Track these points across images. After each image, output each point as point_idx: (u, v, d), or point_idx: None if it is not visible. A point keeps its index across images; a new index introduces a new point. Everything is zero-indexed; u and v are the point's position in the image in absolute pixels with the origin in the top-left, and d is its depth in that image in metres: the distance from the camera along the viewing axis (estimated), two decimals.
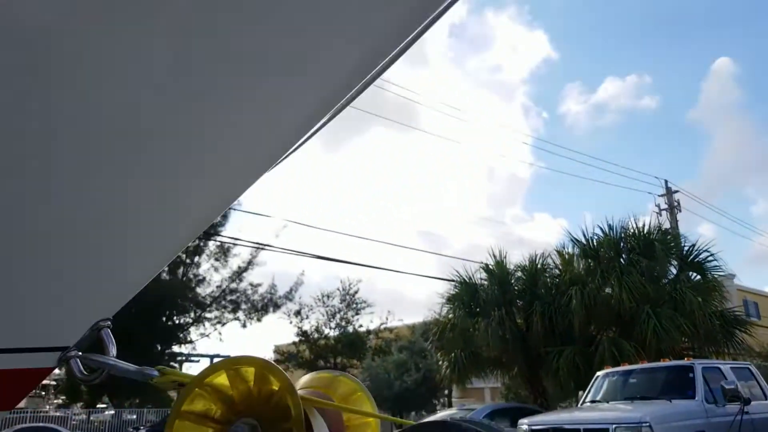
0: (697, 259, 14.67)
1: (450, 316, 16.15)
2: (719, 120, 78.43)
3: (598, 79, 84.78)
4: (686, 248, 15.12)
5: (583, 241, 15.51)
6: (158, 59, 0.96)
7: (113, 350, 1.30)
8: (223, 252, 23.92)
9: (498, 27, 79.12)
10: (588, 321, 13.96)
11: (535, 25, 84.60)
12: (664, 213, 24.07)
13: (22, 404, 21.99)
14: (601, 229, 15.40)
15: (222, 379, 1.23)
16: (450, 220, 67.59)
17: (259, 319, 24.30)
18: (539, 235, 71.73)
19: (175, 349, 24.62)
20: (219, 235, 23.93)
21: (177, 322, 24.09)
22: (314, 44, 1.06)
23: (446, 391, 27.52)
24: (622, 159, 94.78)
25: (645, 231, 15.18)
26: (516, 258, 16.92)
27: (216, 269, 23.91)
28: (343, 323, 26.26)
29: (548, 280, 15.88)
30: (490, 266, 16.27)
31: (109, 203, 1.15)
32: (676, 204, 24.48)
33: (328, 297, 26.37)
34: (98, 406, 24.35)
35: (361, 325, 26.48)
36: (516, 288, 16.10)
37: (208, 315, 24.10)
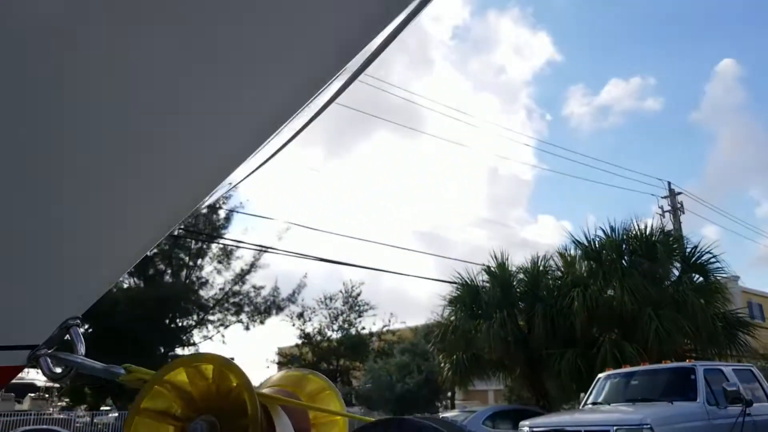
0: (699, 260, 14.62)
1: (452, 318, 16.13)
2: (723, 121, 78.23)
3: (601, 80, 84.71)
4: (689, 250, 15.08)
5: (585, 242, 15.50)
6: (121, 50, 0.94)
7: (81, 349, 1.30)
8: (226, 254, 24.00)
9: (501, 29, 79.18)
10: (590, 323, 13.92)
11: (539, 27, 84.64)
12: (667, 215, 24.01)
13: (25, 406, 22.04)
14: (603, 230, 15.40)
15: (181, 377, 1.23)
16: (453, 222, 67.59)
17: (262, 322, 24.36)
18: (543, 237, 71.61)
19: (179, 351, 24.68)
20: (222, 238, 23.98)
21: (180, 324, 24.14)
22: (285, 33, 1.00)
23: (449, 394, 27.48)
24: (626, 161, 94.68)
25: (647, 233, 15.15)
26: (520, 260, 16.88)
27: (219, 272, 24.00)
28: (346, 325, 26.28)
29: (550, 282, 15.86)
30: (492, 268, 16.25)
31: (77, 202, 1.14)
32: (679, 206, 24.41)
33: (331, 299, 26.42)
34: (102, 408, 24.42)
35: (363, 328, 26.52)
36: (518, 290, 16.07)
37: (211, 317, 24.17)
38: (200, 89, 1.03)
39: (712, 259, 14.49)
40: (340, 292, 26.50)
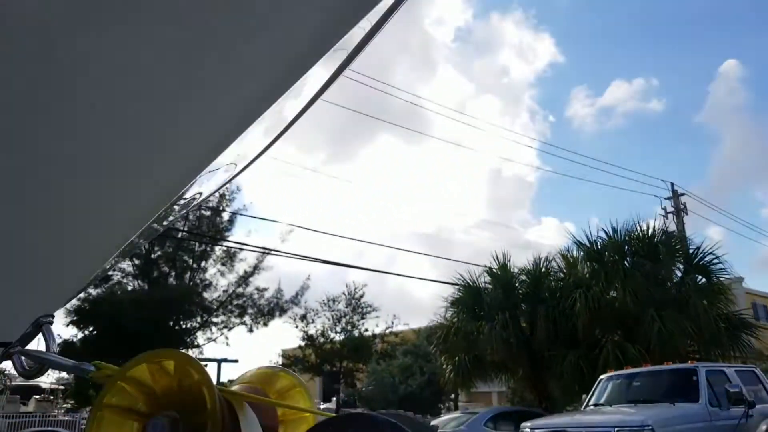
0: (702, 261, 14.57)
1: (454, 319, 16.12)
2: (727, 122, 77.77)
3: (604, 82, 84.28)
4: (691, 251, 15.03)
5: (588, 244, 15.47)
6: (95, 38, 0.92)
7: (54, 346, 1.30)
8: (230, 257, 24.01)
9: (504, 31, 79.07)
10: (592, 324, 13.89)
11: (541, 29, 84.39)
12: (670, 216, 23.94)
13: (31, 408, 22.11)
14: (605, 232, 15.37)
15: (144, 373, 1.24)
16: (456, 224, 67.53)
17: (265, 324, 24.32)
18: (546, 239, 71.41)
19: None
20: (226, 240, 24.01)
21: (184, 326, 24.17)
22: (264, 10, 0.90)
23: (452, 395, 27.42)
24: (629, 162, 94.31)
25: (649, 234, 15.11)
26: (524, 262, 16.86)
27: (222, 274, 24.01)
28: (349, 327, 26.24)
29: (552, 283, 15.84)
30: (494, 270, 16.24)
31: (51, 196, 1.13)
32: (682, 207, 24.33)
33: (334, 301, 26.38)
34: None
35: (366, 329, 26.45)
36: (520, 291, 16.06)
37: (214, 319, 24.17)
38: (172, 75, 0.94)
39: (715, 260, 14.46)
40: (344, 294, 26.49)
